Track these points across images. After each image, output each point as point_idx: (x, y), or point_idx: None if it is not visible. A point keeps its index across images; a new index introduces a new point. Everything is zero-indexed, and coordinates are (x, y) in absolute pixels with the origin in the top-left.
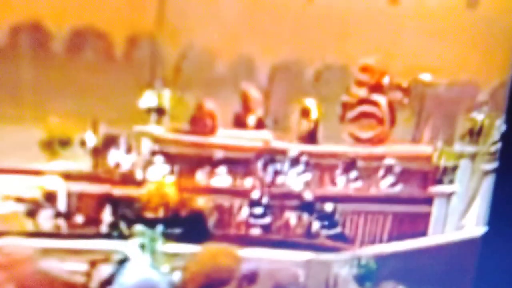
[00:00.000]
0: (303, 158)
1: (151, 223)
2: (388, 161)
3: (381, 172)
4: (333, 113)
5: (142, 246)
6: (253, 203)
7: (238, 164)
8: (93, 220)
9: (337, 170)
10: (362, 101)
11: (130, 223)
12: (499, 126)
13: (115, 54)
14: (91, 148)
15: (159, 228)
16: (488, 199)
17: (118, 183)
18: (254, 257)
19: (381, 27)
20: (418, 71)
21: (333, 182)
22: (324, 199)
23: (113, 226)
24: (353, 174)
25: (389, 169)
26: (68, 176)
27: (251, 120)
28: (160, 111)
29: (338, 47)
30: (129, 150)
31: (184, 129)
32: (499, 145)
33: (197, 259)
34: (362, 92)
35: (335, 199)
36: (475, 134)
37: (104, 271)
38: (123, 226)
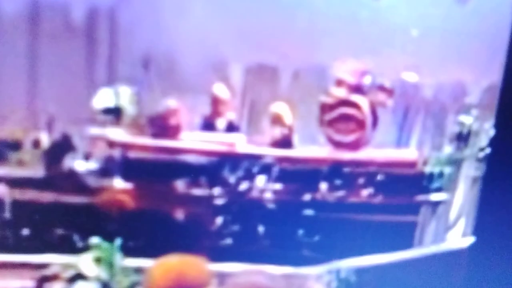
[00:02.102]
0: (276, 165)
1: (108, 235)
2: (369, 167)
3: (362, 179)
4: (311, 116)
5: (98, 260)
6: (220, 211)
7: (203, 170)
8: (43, 232)
9: (314, 176)
10: (342, 103)
11: (85, 234)
12: (488, 130)
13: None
14: (43, 151)
15: (117, 240)
16: (475, 208)
17: (72, 190)
18: (227, 271)
19: (363, 22)
20: (402, 70)
21: (310, 190)
22: (301, 206)
23: (65, 238)
24: (332, 181)
25: (371, 176)
26: (15, 183)
27: (221, 123)
28: (117, 112)
29: (315, 45)
30: (85, 154)
31: (144, 132)
32: (487, 150)
33: (160, 273)
34: (342, 93)
35: (314, 207)
36: (463, 138)
37: None
38: (76, 238)
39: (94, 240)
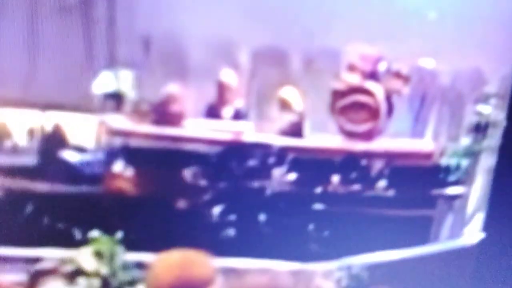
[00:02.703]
0: (285, 155)
1: (108, 228)
2: (383, 159)
3: (375, 171)
4: (322, 103)
5: (98, 254)
6: (225, 202)
7: (208, 159)
8: (38, 224)
9: (325, 168)
10: (354, 90)
11: (84, 227)
12: (501, 121)
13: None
14: (40, 138)
15: (118, 233)
16: (487, 202)
17: (69, 180)
18: (232, 266)
19: (379, 7)
20: (419, 56)
21: (321, 182)
22: (311, 199)
23: (62, 231)
24: (344, 172)
25: (384, 168)
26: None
27: (228, 110)
28: (117, 97)
29: (327, 28)
30: (84, 143)
31: (147, 119)
32: (499, 142)
33: (163, 269)
34: (354, 79)
35: (325, 199)
36: (481, 129)
37: None
38: (74, 230)
39: (94, 233)
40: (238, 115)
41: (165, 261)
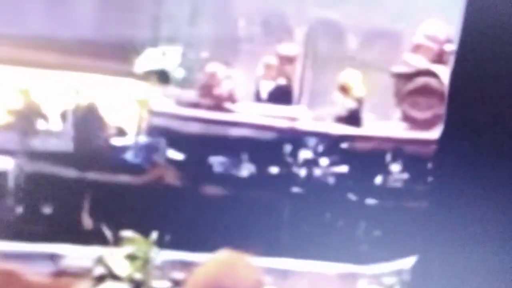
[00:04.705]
0: (342, 144)
1: (143, 226)
2: None
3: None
4: (382, 88)
5: (132, 258)
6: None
7: (261, 147)
8: (68, 217)
9: (383, 159)
10: (420, 73)
11: (118, 223)
12: None
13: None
14: (75, 120)
15: (154, 234)
16: None
17: (105, 167)
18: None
19: None
20: None
21: (378, 173)
22: (366, 192)
23: (92, 228)
24: (403, 164)
25: None
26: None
27: (280, 93)
28: (163, 75)
29: (389, 4)
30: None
31: (192, 101)
32: None
33: (205, 271)
34: (420, 61)
35: (375, 193)
36: None
37: None
38: (106, 230)
39: (127, 233)
40: (289, 98)
41: (210, 263)
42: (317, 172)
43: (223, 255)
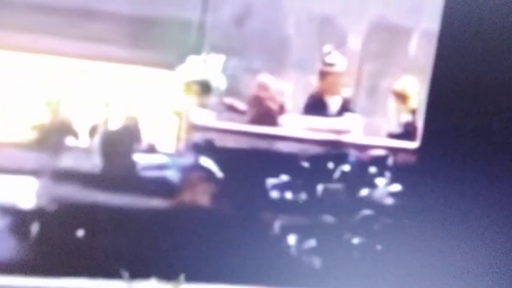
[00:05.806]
0: (395, 160)
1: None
2: None
3: None
4: None
5: None
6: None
7: (306, 164)
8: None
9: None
10: None
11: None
12: None
13: None
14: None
15: (182, 277)
16: None
17: (142, 193)
18: None
19: None
20: None
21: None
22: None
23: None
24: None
25: None
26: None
27: (333, 103)
28: (205, 86)
29: None
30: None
31: (239, 113)
32: None
33: None
34: None
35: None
36: None
37: None
38: (125, 274)
39: (152, 283)
40: (345, 107)
41: None
42: (377, 193)
43: None
